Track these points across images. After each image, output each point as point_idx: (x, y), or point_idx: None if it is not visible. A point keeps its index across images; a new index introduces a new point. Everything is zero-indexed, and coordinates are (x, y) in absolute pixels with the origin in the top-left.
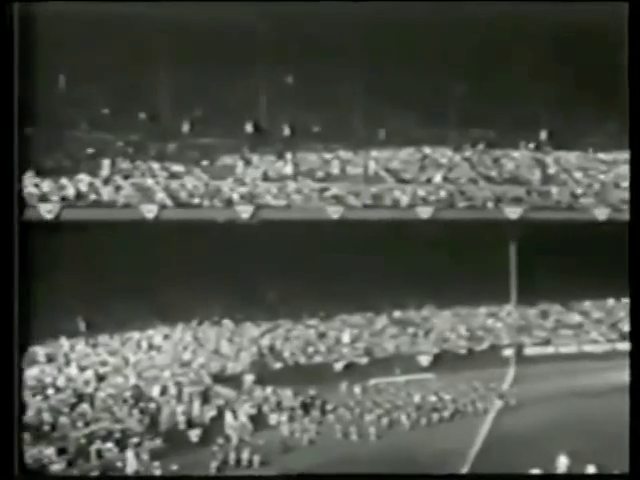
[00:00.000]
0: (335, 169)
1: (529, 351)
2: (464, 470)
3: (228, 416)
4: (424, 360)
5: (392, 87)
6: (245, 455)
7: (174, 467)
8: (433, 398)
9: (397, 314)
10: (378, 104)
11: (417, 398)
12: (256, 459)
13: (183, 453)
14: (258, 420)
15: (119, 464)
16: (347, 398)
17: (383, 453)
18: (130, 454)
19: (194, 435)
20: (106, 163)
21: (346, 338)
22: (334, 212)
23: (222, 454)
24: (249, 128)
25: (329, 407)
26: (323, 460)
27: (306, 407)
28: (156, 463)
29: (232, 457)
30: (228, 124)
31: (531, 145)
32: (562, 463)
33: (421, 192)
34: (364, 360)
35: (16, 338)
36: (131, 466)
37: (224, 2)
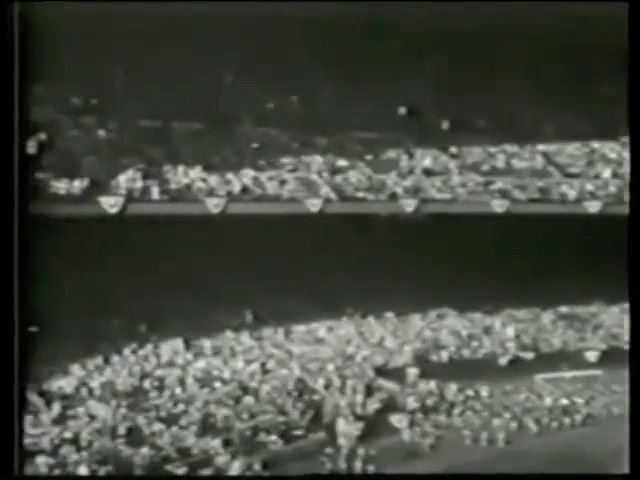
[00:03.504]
0: (500, 163)
1: None
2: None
3: (340, 422)
4: (591, 356)
5: (558, 82)
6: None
7: None
8: (601, 395)
9: (564, 309)
10: (543, 98)
11: (585, 395)
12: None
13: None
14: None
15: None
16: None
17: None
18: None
19: (357, 428)
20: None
21: (511, 333)
22: (499, 206)
23: (332, 464)
24: (413, 122)
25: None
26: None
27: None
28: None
29: (343, 466)
30: (392, 118)
31: None
32: None
33: (589, 187)
34: (530, 355)
35: (16, 338)
36: None
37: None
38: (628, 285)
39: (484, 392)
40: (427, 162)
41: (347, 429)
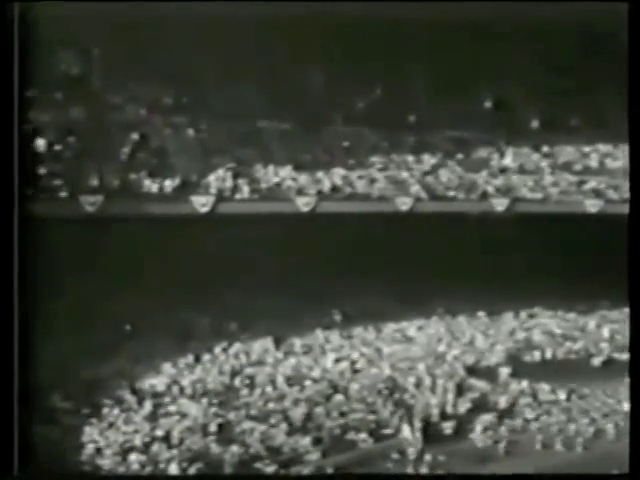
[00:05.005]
0: (594, 162)
1: None
2: None
3: (405, 429)
4: None
5: None
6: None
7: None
8: None
9: None
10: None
11: None
12: None
13: (435, 445)
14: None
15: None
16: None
17: None
18: None
19: (448, 427)
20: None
21: (606, 333)
22: (592, 206)
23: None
24: (504, 121)
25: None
26: None
27: None
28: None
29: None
30: (483, 117)
31: None
32: None
33: None
34: (624, 356)
35: (16, 336)
36: None
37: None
38: (628, 287)
39: (562, 395)
40: (518, 161)
41: (412, 436)
